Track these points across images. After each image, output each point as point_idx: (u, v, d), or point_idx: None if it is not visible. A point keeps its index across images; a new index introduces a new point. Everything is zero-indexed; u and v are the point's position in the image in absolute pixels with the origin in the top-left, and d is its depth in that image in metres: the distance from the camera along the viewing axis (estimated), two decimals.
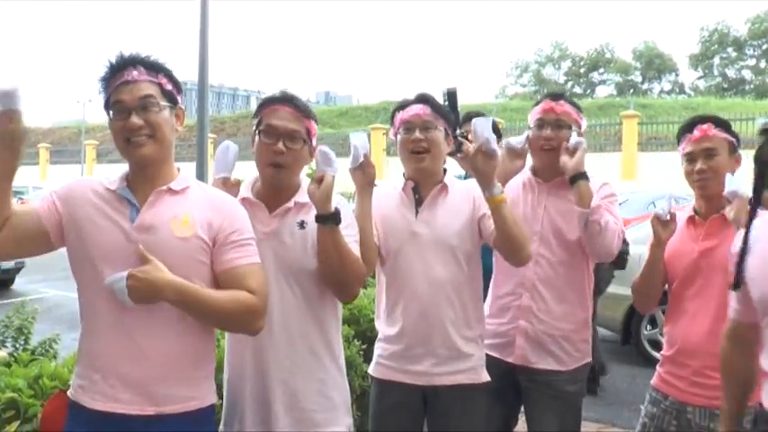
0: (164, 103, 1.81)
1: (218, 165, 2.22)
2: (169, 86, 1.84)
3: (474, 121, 2.20)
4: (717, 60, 49.26)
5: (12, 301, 8.51)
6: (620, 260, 3.97)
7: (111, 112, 1.81)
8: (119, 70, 1.80)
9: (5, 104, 1.66)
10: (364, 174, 2.27)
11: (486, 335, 2.48)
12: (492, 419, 2.49)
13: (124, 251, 1.74)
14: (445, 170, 2.44)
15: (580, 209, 2.40)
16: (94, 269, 1.76)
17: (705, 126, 2.35)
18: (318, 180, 1.97)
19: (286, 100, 2.11)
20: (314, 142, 2.14)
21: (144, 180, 1.83)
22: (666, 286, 2.49)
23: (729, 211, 2.23)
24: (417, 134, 2.32)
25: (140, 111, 1.77)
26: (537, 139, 2.57)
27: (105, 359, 1.76)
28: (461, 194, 2.38)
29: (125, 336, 1.74)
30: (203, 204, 1.84)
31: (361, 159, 2.24)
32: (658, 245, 2.39)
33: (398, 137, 2.40)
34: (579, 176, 2.41)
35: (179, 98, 1.88)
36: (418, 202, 2.38)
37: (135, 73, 1.79)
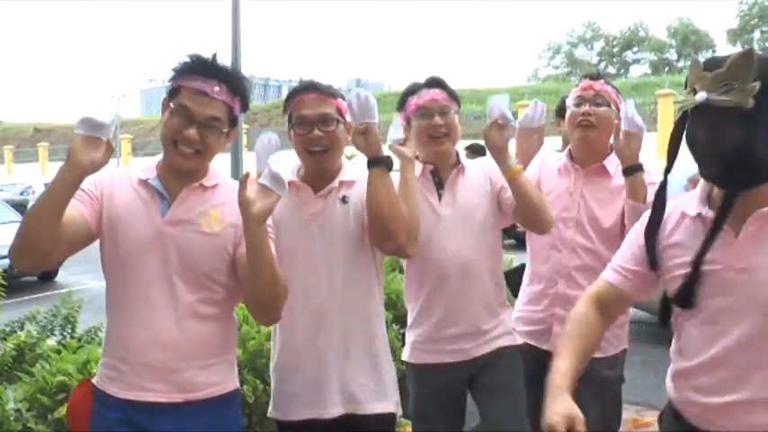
0: (226, 129, 1.81)
1: (259, 157, 2.22)
2: (237, 112, 1.83)
3: (489, 99, 2.27)
4: (757, 35, 47.79)
5: (56, 292, 8.73)
6: None
7: (172, 106, 1.79)
8: (204, 74, 1.77)
9: (98, 133, 1.61)
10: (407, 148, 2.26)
11: (521, 322, 2.55)
12: (528, 405, 2.47)
13: (153, 242, 1.78)
14: (457, 151, 2.46)
15: (634, 202, 2.32)
16: (123, 261, 1.79)
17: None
18: (363, 131, 2.02)
19: (308, 87, 2.14)
20: (347, 119, 2.15)
21: (177, 176, 1.84)
22: None
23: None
24: (437, 119, 2.33)
25: (202, 126, 1.76)
26: (575, 116, 2.54)
27: (131, 349, 1.79)
28: (477, 173, 2.41)
29: (149, 325, 1.77)
30: (233, 198, 1.80)
31: (403, 135, 2.24)
32: None
33: (414, 122, 2.38)
34: (635, 168, 2.32)
35: (240, 118, 1.88)
36: (439, 185, 2.40)
37: (217, 89, 1.77)
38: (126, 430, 1.78)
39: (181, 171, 1.83)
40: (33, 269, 1.80)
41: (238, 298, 1.93)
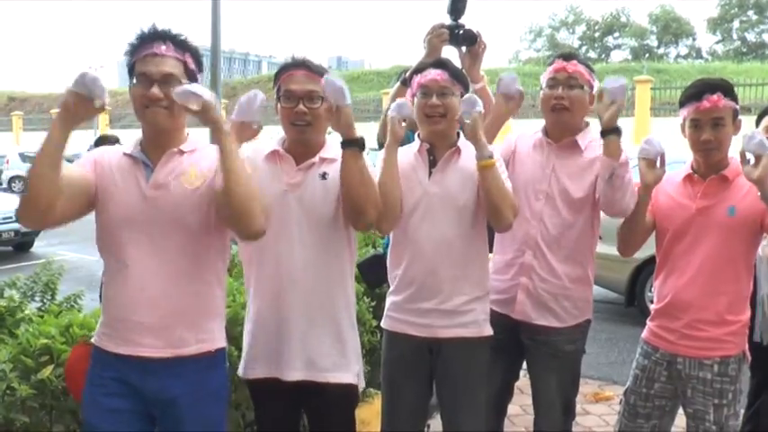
0: (185, 81, 1.91)
1: (240, 109, 2.27)
2: (192, 66, 1.96)
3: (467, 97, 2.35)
4: (736, 24, 48.06)
5: (32, 263, 8.72)
6: None
7: (134, 79, 1.92)
8: (149, 41, 1.91)
9: (89, 91, 1.78)
10: (399, 129, 2.34)
11: (491, 290, 2.56)
12: (494, 372, 2.60)
13: (141, 208, 1.92)
14: (458, 133, 2.51)
15: (609, 160, 2.39)
16: (116, 227, 1.93)
17: (715, 97, 2.33)
18: (337, 113, 2.09)
19: (299, 64, 2.23)
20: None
21: (157, 144, 1.98)
22: (655, 242, 2.56)
23: (752, 170, 2.17)
24: (434, 99, 2.40)
25: (162, 84, 1.88)
26: (548, 99, 2.58)
27: (125, 308, 1.93)
28: (472, 158, 2.43)
29: (141, 286, 1.91)
30: (210, 157, 1.98)
31: (408, 112, 2.33)
32: (645, 189, 2.43)
33: (415, 100, 2.46)
34: (612, 131, 2.39)
35: (199, 77, 1.99)
36: (432, 164, 2.46)
37: (164, 48, 1.91)
38: (119, 388, 1.93)
39: (157, 132, 1.95)
40: (37, 225, 1.92)
41: (225, 260, 2.08)
